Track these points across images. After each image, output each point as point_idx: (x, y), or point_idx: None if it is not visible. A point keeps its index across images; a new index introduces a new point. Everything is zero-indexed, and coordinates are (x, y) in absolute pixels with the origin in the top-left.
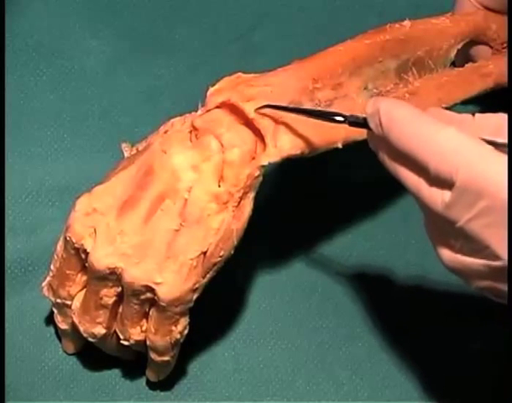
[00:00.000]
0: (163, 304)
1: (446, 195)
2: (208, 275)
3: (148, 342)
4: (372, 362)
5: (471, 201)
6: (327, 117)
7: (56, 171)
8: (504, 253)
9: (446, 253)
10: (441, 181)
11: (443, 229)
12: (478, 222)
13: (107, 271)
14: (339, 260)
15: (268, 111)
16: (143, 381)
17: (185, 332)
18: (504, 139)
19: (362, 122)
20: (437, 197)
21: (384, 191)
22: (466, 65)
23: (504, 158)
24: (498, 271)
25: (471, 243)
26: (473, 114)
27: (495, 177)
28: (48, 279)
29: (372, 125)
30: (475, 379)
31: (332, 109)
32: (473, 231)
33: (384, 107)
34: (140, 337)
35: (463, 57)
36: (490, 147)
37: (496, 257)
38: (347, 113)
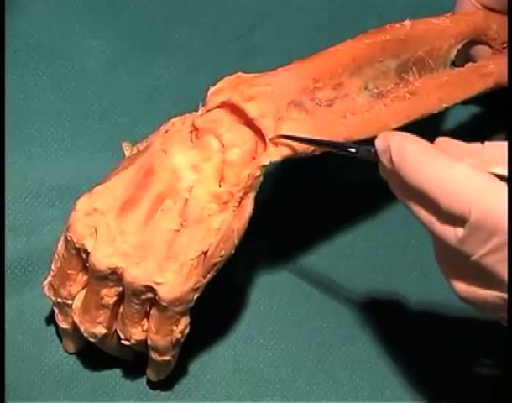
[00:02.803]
0: (164, 304)
1: (458, 230)
2: (209, 275)
3: (149, 342)
4: (372, 362)
5: (484, 237)
6: (341, 148)
7: (56, 171)
8: None
9: (460, 285)
10: (453, 218)
11: (456, 261)
12: (492, 258)
13: (108, 271)
14: (339, 260)
15: (269, 111)
16: (143, 381)
17: (186, 331)
18: None
19: (373, 155)
20: (450, 232)
21: (384, 191)
22: (466, 65)
23: None
24: None
25: (486, 277)
26: (483, 142)
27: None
28: (49, 278)
29: (383, 160)
30: (475, 379)
31: (333, 109)
32: (488, 265)
33: (395, 143)
34: (141, 336)
35: (463, 57)
36: (502, 183)
37: None
38: (359, 146)
